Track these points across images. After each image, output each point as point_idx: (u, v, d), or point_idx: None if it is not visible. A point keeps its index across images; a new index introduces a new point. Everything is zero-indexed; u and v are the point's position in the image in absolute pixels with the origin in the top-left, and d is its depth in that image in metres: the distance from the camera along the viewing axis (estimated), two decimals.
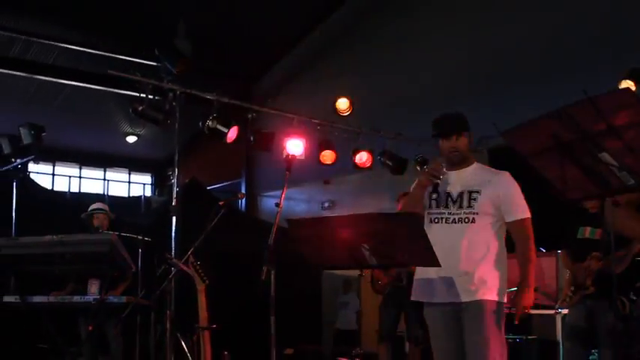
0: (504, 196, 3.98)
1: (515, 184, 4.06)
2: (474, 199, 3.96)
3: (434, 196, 4.08)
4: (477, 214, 3.94)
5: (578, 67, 8.97)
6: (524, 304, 3.88)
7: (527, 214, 4.02)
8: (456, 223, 3.96)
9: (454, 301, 3.91)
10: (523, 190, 4.09)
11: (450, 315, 3.95)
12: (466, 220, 3.94)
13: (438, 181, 3.97)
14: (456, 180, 4.08)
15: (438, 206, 4.05)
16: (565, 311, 6.25)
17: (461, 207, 3.99)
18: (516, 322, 3.90)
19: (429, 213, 4.10)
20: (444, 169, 4.02)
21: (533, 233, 4.06)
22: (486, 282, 3.88)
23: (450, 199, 4.03)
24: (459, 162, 4.11)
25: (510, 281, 4.05)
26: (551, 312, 6.83)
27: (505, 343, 3.91)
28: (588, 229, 5.85)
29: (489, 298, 3.87)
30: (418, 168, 9.05)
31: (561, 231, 6.17)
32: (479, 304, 3.85)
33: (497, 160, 9.36)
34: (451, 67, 11.16)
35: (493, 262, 3.93)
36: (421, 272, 4.11)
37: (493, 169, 4.18)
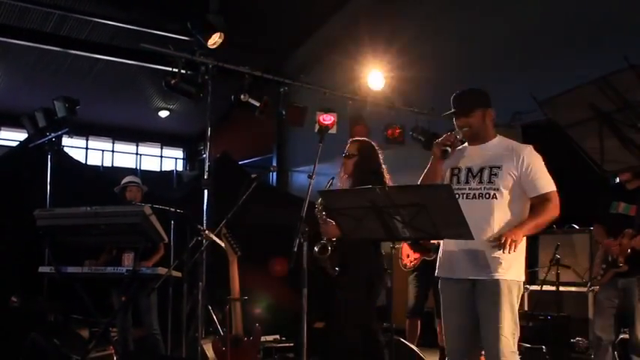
0: (526, 170, 3.86)
1: (539, 157, 3.95)
2: (495, 175, 3.88)
3: (455, 171, 4.02)
4: (498, 189, 3.86)
5: (615, 40, 8.80)
6: (509, 236, 3.66)
7: (552, 187, 3.89)
8: (476, 198, 3.88)
9: (472, 277, 3.86)
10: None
11: (466, 291, 3.90)
12: (487, 195, 3.87)
13: (448, 149, 3.90)
14: (478, 155, 4.01)
15: (458, 182, 3.99)
16: (597, 289, 6.21)
17: (481, 182, 3.90)
18: (502, 251, 3.67)
19: None
20: (459, 142, 3.96)
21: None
22: (504, 260, 3.79)
23: (470, 174, 3.97)
24: (472, 138, 4.05)
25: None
26: (583, 289, 6.78)
27: (518, 323, 3.83)
28: (622, 204, 5.75)
29: (507, 277, 3.80)
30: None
31: (595, 206, 6.09)
32: (496, 283, 3.79)
33: (531, 136, 9.32)
34: (486, 43, 11.02)
35: None
36: (444, 248, 4.07)
37: (516, 143, 4.04)
